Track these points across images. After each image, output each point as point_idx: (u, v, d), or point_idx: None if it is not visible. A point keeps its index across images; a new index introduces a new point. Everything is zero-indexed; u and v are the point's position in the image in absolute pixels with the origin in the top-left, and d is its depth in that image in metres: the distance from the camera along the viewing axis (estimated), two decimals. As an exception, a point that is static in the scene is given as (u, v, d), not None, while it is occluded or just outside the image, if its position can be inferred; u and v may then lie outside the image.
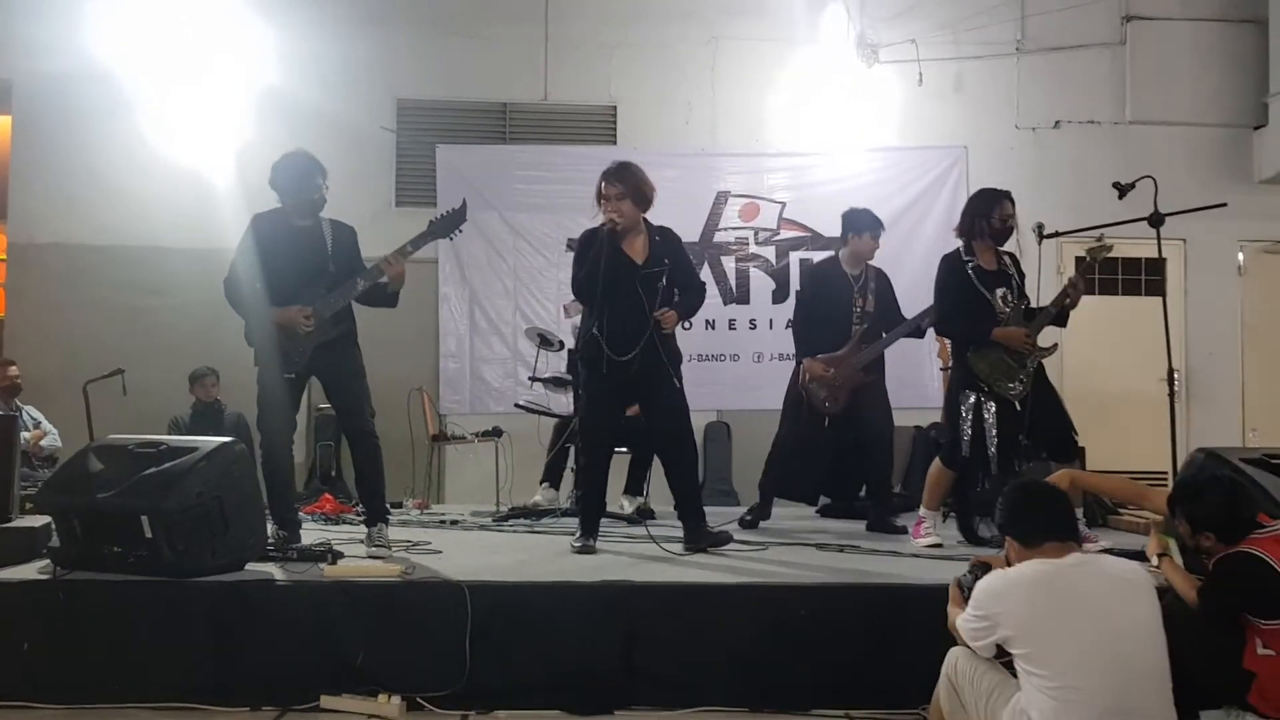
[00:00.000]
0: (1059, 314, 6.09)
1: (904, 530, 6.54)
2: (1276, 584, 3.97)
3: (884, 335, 6.98)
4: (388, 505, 6.02)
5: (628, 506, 7.53)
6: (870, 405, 6.94)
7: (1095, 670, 3.34)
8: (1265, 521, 4.17)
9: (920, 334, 7.08)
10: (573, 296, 6.35)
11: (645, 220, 5.90)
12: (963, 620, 3.66)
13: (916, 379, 9.61)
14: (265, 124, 9.51)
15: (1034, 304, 6.20)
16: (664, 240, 5.94)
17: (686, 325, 9.19)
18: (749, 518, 7.09)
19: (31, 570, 4.93)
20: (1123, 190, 6.39)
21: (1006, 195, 6.06)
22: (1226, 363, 10.31)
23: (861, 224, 7.00)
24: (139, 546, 4.69)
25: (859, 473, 7.24)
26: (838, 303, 6.95)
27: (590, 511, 5.94)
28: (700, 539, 5.84)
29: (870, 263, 7.07)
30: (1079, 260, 6.08)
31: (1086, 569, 3.51)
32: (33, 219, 10.00)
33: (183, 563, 4.70)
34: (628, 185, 5.77)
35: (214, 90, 9.67)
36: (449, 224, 5.74)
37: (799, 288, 7.67)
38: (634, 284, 5.73)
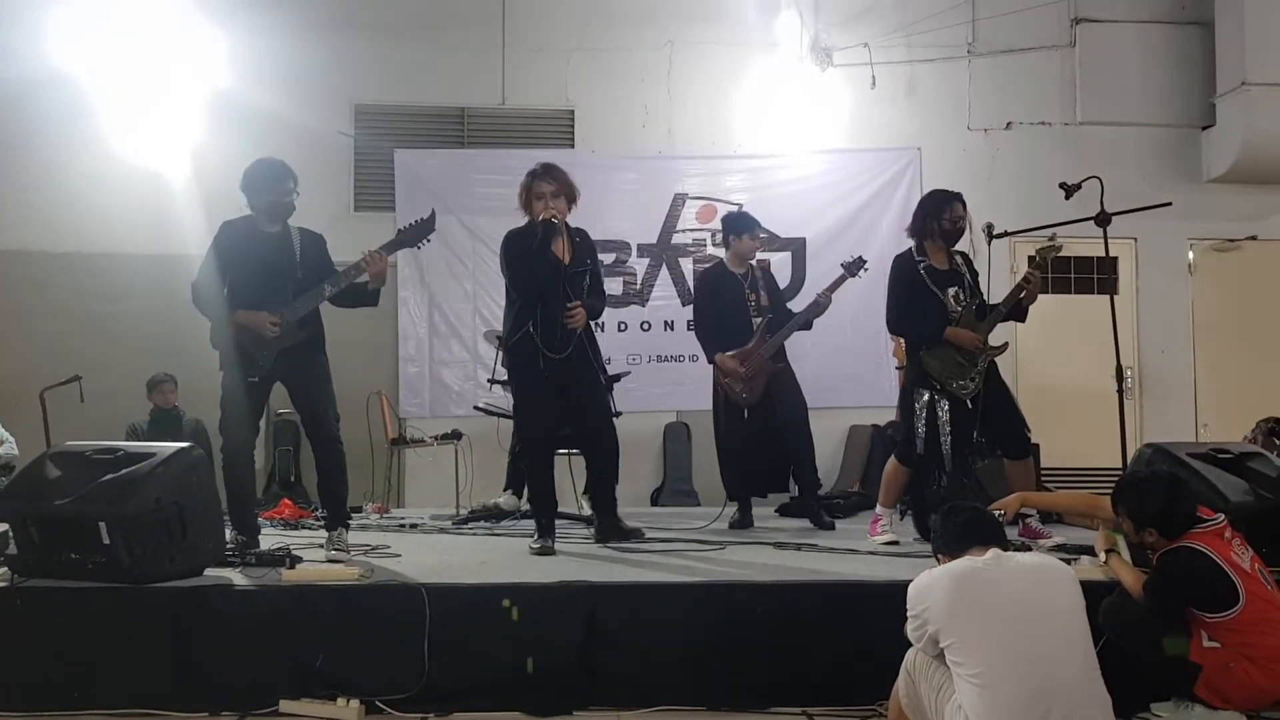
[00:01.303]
0: (1015, 309, 6.15)
1: (831, 526, 6.86)
2: (1218, 577, 4.06)
3: (783, 328, 7.18)
4: (349, 510, 6.02)
5: (587, 507, 7.55)
6: (785, 390, 7.18)
7: (1015, 657, 3.43)
8: (1206, 515, 4.26)
9: (809, 326, 7.38)
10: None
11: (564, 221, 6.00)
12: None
13: (874, 378, 9.72)
14: (224, 130, 9.49)
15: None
16: (584, 242, 6.09)
17: (648, 326, 9.39)
18: (733, 525, 7.17)
19: (-11, 579, 4.90)
20: (1069, 191, 6.50)
21: (957, 197, 6.13)
22: (1179, 359, 10.44)
23: (741, 226, 7.33)
24: (97, 553, 4.66)
25: (785, 460, 7.37)
26: (733, 302, 7.19)
27: (544, 512, 5.98)
28: (612, 534, 6.02)
29: (752, 262, 7.37)
30: (1030, 259, 6.17)
31: (1003, 562, 3.63)
32: (-8, 226, 9.91)
33: (141, 568, 4.68)
34: (561, 183, 5.93)
35: (173, 97, 9.63)
36: (417, 233, 5.80)
37: (694, 295, 7.93)
38: (561, 284, 5.80)
